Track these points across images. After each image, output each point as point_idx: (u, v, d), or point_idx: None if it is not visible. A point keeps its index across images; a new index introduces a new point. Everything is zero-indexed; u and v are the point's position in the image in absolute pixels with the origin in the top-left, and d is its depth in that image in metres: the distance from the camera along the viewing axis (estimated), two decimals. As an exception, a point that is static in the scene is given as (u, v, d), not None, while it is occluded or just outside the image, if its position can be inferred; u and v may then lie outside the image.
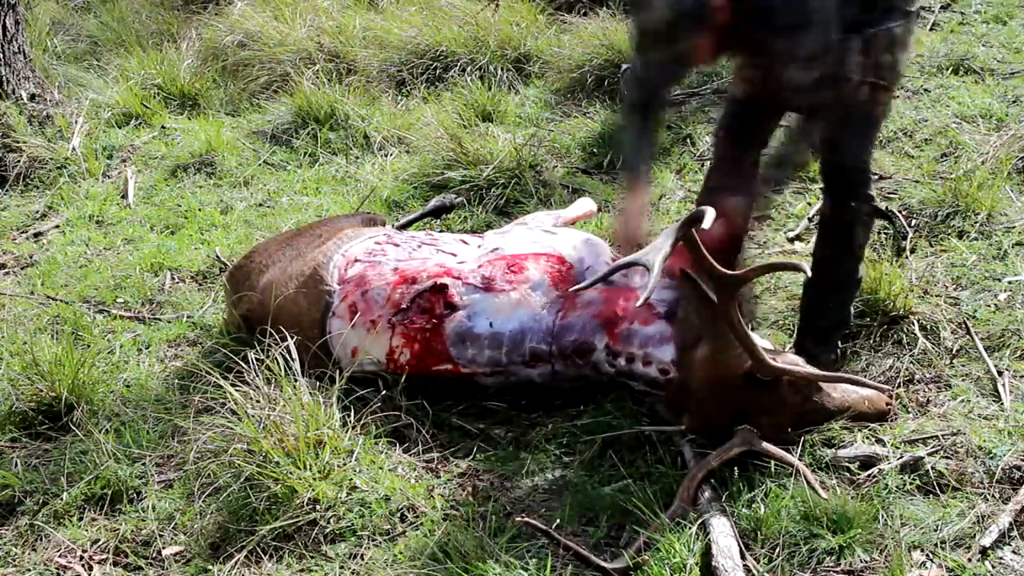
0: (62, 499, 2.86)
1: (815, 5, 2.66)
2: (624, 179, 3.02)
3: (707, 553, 2.39)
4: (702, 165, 4.61)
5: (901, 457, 2.67)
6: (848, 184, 2.99)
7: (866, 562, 2.39)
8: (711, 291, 2.60)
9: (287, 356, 2.87)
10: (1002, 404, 2.85)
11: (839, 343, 3.17)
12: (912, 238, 3.74)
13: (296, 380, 2.83)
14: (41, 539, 2.77)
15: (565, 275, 3.09)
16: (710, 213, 2.51)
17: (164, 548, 2.69)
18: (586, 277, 3.05)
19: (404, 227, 4.01)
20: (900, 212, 3.93)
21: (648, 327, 2.95)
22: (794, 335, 3.23)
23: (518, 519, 2.56)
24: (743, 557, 2.40)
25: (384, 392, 3.01)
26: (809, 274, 2.61)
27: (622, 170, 3.08)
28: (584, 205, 4.00)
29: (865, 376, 3.04)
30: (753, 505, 2.54)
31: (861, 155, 2.98)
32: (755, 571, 2.38)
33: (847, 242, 3.05)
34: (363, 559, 2.57)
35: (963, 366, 3.06)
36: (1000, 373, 2.98)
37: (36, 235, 4.60)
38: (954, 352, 3.11)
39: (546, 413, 3.06)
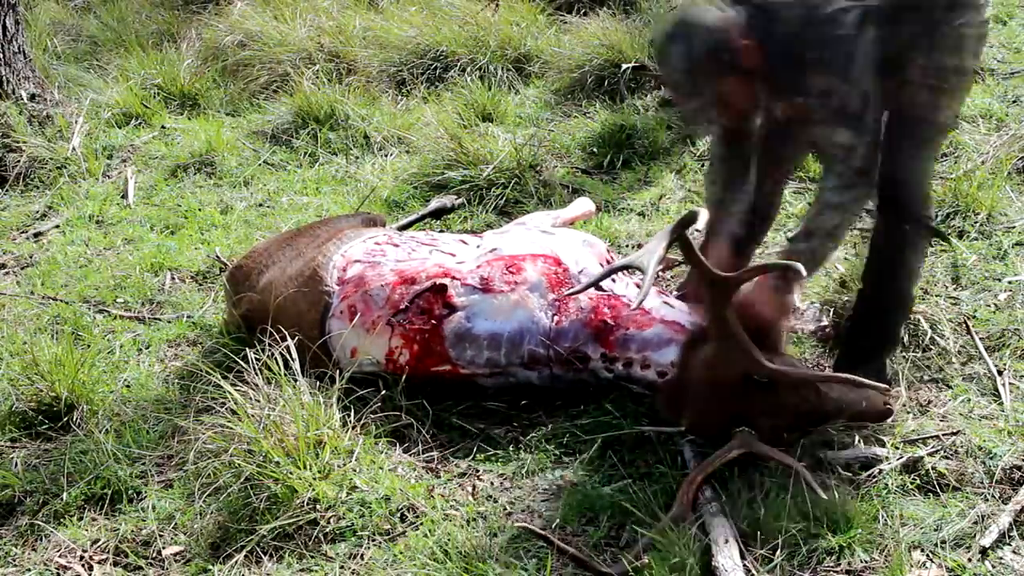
0: (62, 499, 2.85)
1: (842, 45, 2.53)
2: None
3: (707, 553, 2.39)
4: (702, 165, 4.61)
5: (901, 457, 2.67)
6: (902, 203, 2.78)
7: (866, 562, 2.39)
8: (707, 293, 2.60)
9: (287, 356, 2.87)
10: (1002, 404, 2.86)
11: (885, 365, 3.00)
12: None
13: (296, 380, 2.83)
14: (41, 539, 2.77)
15: (561, 277, 3.09)
16: (703, 214, 2.52)
17: (164, 548, 2.68)
18: (581, 279, 3.05)
19: (404, 228, 4.01)
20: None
21: (645, 331, 2.95)
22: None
23: (517, 524, 2.56)
24: (743, 557, 2.40)
25: (384, 392, 3.00)
26: (805, 274, 2.55)
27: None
28: (583, 205, 4.00)
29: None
30: (753, 505, 2.54)
31: (917, 169, 2.77)
32: (755, 571, 2.38)
33: (897, 265, 2.88)
34: (363, 559, 2.57)
35: (963, 366, 3.06)
36: (1000, 373, 2.98)
37: (36, 235, 4.60)
38: (954, 352, 3.10)
39: (546, 413, 3.06)
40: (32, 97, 5.18)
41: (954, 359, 3.08)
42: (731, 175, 2.97)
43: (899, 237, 2.84)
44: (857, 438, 2.77)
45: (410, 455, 2.91)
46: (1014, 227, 3.68)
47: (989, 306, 3.29)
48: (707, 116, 2.81)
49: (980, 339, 3.12)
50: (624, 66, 5.23)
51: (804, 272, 2.53)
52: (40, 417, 3.19)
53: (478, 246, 3.30)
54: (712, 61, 2.58)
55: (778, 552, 2.41)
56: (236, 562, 2.59)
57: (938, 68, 2.67)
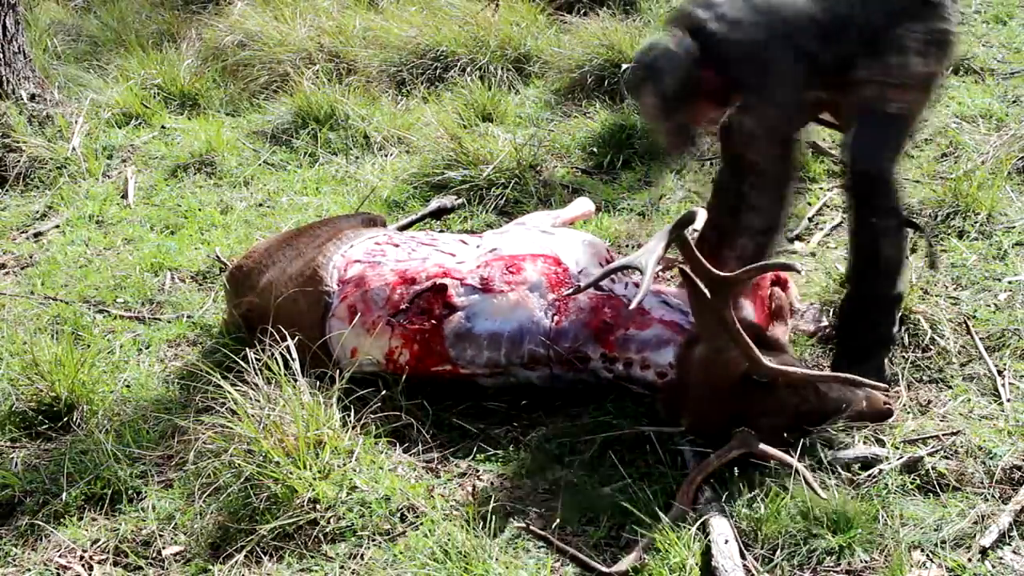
0: (62, 499, 2.85)
1: (776, 66, 2.79)
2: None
3: (707, 553, 2.39)
4: (702, 165, 4.61)
5: (901, 457, 2.66)
6: (866, 194, 2.85)
7: (866, 562, 2.39)
8: (706, 292, 2.60)
9: (287, 356, 2.87)
10: (1002, 404, 2.85)
11: (883, 364, 3.01)
12: (912, 238, 3.73)
13: (296, 380, 2.83)
14: (41, 539, 2.77)
15: (561, 277, 3.09)
16: (701, 213, 2.53)
17: (164, 548, 2.69)
18: (581, 280, 3.05)
19: (404, 228, 4.01)
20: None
21: (644, 331, 2.95)
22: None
23: (517, 525, 2.56)
24: (743, 557, 2.40)
25: (384, 392, 3.00)
26: (802, 273, 2.58)
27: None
28: (582, 205, 4.00)
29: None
30: (753, 505, 2.54)
31: (878, 161, 2.83)
32: (755, 571, 2.38)
33: (873, 259, 2.92)
34: (363, 559, 2.57)
35: (963, 366, 3.05)
36: (1000, 373, 2.98)
37: (36, 235, 4.60)
38: (954, 352, 3.10)
39: (546, 413, 3.06)
40: (32, 97, 5.18)
41: (954, 359, 3.08)
42: (728, 195, 3.03)
43: (873, 231, 2.89)
44: (857, 438, 2.77)
45: (410, 455, 2.91)
46: (1014, 227, 3.68)
47: (989, 306, 3.29)
48: (687, 135, 3.06)
49: (980, 339, 3.12)
50: (624, 66, 5.19)
51: (800, 271, 2.56)
52: (40, 417, 3.19)
53: (478, 246, 3.30)
54: (681, 91, 2.88)
55: (778, 552, 2.42)
56: (236, 562, 2.59)
57: (884, 67, 2.79)
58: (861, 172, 2.84)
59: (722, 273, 2.60)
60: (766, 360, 2.65)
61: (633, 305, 2.63)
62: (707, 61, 2.85)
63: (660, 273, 3.66)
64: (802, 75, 2.81)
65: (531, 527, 2.45)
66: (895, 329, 3.07)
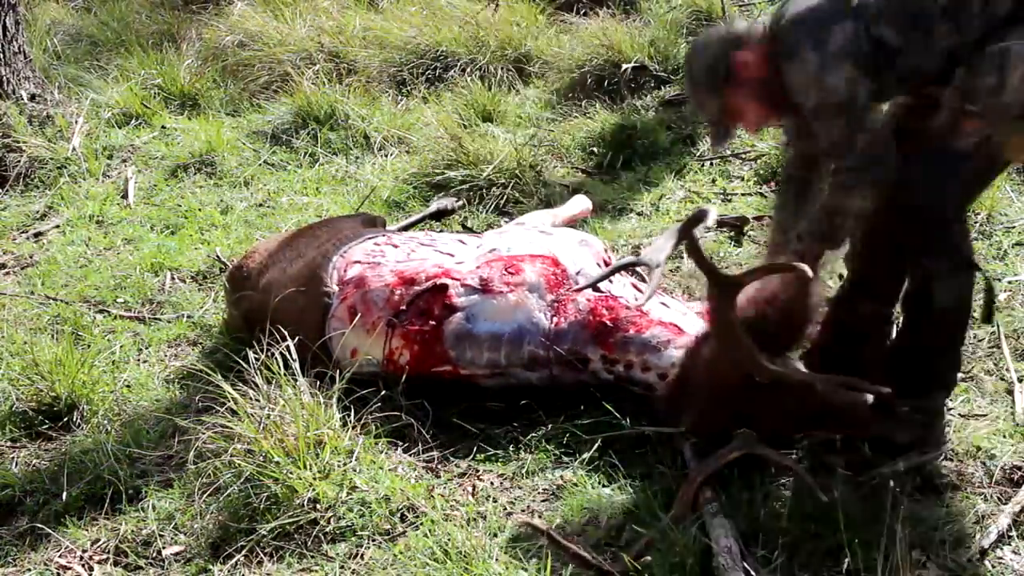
0: (62, 499, 2.85)
1: (834, 84, 2.41)
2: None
3: (707, 553, 2.39)
4: (702, 165, 4.61)
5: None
6: (921, 233, 2.54)
7: (866, 562, 2.38)
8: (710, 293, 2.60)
9: (287, 356, 2.87)
10: (1002, 404, 2.85)
11: (942, 405, 2.76)
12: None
13: (296, 380, 2.83)
14: (41, 539, 2.77)
15: (559, 278, 3.09)
16: (712, 213, 2.51)
17: (164, 548, 2.69)
18: (579, 280, 3.05)
19: (404, 229, 4.01)
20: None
21: (643, 333, 2.94)
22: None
23: (519, 520, 2.56)
24: (743, 557, 2.40)
25: (384, 392, 3.00)
26: (810, 275, 2.47)
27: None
28: (580, 203, 3.99)
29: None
30: (753, 505, 2.54)
31: (939, 198, 2.49)
32: (755, 571, 2.38)
33: (925, 305, 2.60)
34: (363, 559, 2.57)
35: (963, 366, 3.05)
36: (998, 373, 2.98)
37: (36, 235, 4.60)
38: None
39: (546, 413, 3.06)
40: (32, 97, 5.18)
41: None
42: (797, 195, 2.81)
43: (920, 272, 2.65)
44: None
45: (410, 455, 2.91)
46: (1014, 227, 3.68)
47: (989, 306, 3.29)
48: (719, 127, 2.73)
49: (981, 340, 3.12)
50: (624, 66, 5.23)
51: (809, 273, 2.41)
52: (40, 417, 3.19)
53: (478, 246, 3.30)
54: (710, 76, 2.58)
55: (778, 552, 2.41)
56: (236, 562, 2.59)
57: (971, 89, 2.39)
58: (920, 211, 2.51)
59: (729, 274, 2.60)
60: (767, 362, 2.64)
61: (643, 303, 2.61)
62: (757, 44, 2.53)
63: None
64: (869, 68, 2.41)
65: (532, 522, 2.44)
66: (956, 373, 2.80)
